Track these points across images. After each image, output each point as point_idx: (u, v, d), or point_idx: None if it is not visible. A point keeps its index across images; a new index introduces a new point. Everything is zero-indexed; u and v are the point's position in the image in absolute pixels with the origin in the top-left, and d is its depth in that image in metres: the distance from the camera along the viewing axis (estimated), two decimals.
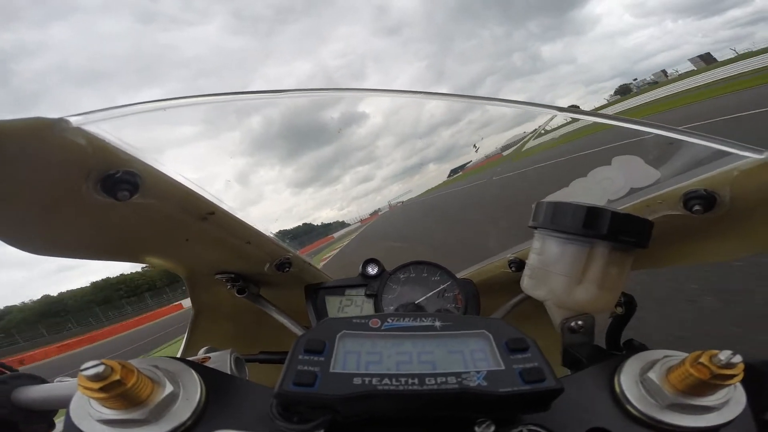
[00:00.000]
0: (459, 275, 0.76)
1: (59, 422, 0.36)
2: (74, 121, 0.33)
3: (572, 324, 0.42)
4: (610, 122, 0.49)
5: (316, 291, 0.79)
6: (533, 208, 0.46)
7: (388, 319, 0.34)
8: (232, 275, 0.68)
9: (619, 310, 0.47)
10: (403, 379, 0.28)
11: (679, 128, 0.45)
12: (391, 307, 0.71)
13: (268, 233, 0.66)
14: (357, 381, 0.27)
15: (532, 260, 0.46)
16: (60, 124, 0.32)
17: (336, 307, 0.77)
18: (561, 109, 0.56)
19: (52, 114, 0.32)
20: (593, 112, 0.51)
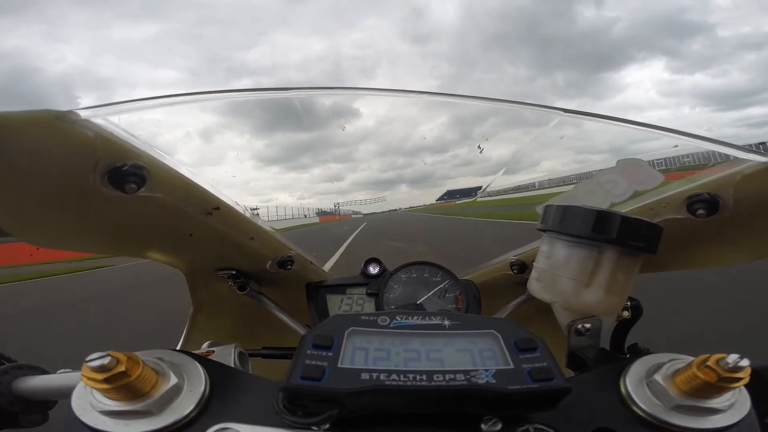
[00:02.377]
0: (460, 276, 0.76)
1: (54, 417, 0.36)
2: (83, 113, 0.33)
3: (579, 326, 0.42)
4: (616, 123, 0.50)
5: (317, 289, 0.79)
6: (541, 211, 0.46)
7: (397, 317, 0.34)
8: (234, 272, 0.67)
9: (626, 314, 0.47)
10: (411, 375, 0.28)
11: (684, 131, 0.46)
12: (393, 307, 0.71)
13: (271, 231, 0.66)
14: (365, 376, 0.27)
15: (539, 263, 0.46)
16: (68, 116, 0.32)
17: (337, 305, 0.77)
18: (563, 111, 0.56)
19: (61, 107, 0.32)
20: (597, 114, 0.52)
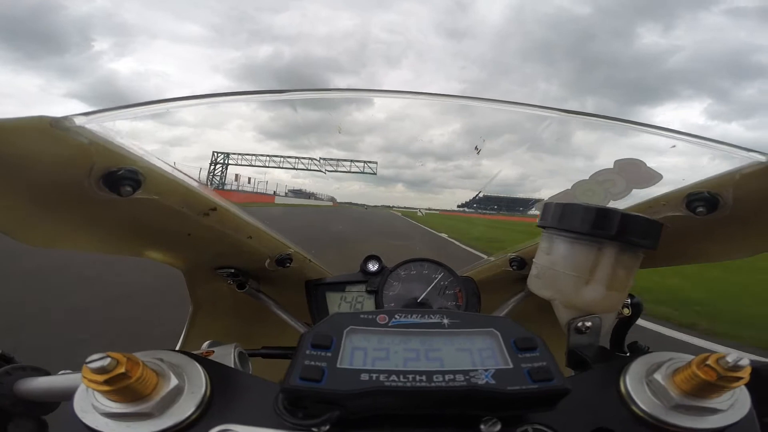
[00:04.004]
0: (460, 273, 0.76)
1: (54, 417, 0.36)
2: (77, 120, 0.33)
3: (579, 324, 0.42)
4: (613, 123, 0.50)
5: (317, 287, 0.79)
6: (541, 209, 0.47)
7: (396, 316, 0.34)
8: (232, 270, 0.68)
9: (626, 311, 0.47)
10: (410, 376, 0.28)
11: (683, 131, 0.46)
12: (392, 304, 0.71)
13: (269, 229, 0.66)
14: (364, 377, 0.27)
15: (539, 260, 0.46)
16: (62, 122, 0.32)
17: (336, 303, 0.78)
18: (561, 111, 0.56)
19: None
20: (594, 114, 0.52)
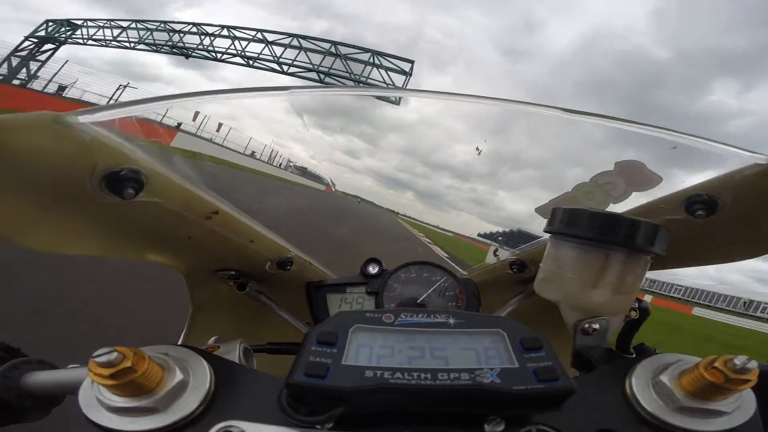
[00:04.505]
0: (460, 276, 0.76)
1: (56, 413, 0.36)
2: (80, 117, 0.33)
3: (586, 326, 0.42)
4: (614, 124, 0.50)
5: (317, 289, 0.79)
6: (548, 213, 0.46)
7: (402, 315, 0.34)
8: (233, 273, 0.68)
9: (634, 314, 0.47)
10: (415, 374, 0.28)
11: (682, 132, 0.46)
12: (393, 305, 0.71)
13: (270, 233, 0.66)
14: (369, 374, 0.27)
15: (546, 264, 0.46)
16: (65, 119, 0.32)
17: (337, 304, 0.78)
18: (563, 110, 0.56)
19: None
20: (595, 114, 0.52)
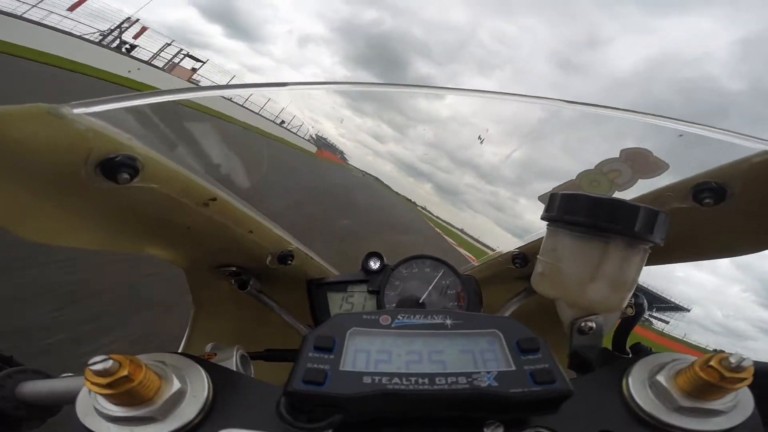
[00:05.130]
0: (462, 271, 0.75)
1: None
2: (75, 109, 0.33)
3: (582, 325, 0.42)
4: (619, 114, 0.49)
5: (318, 286, 0.78)
6: (546, 200, 0.45)
7: (399, 316, 0.34)
8: (234, 268, 0.67)
9: (630, 310, 0.46)
10: (413, 379, 0.27)
11: (688, 120, 0.45)
12: (394, 304, 0.70)
13: (270, 224, 0.65)
14: (367, 380, 0.27)
15: (543, 255, 0.45)
16: (59, 110, 0.32)
17: (338, 303, 0.77)
18: (565, 102, 0.55)
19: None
20: (598, 105, 0.51)
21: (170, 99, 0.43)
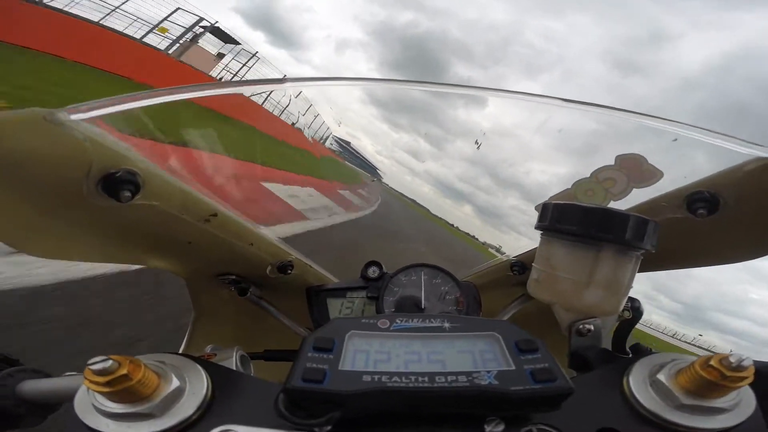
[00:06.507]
0: (460, 278, 0.76)
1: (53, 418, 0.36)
2: (72, 114, 0.33)
3: (580, 327, 0.42)
4: (616, 114, 0.50)
5: (318, 293, 0.78)
6: (538, 210, 0.46)
7: (397, 320, 0.34)
8: (234, 277, 0.68)
9: (627, 314, 0.46)
10: (413, 377, 0.28)
11: (684, 122, 0.45)
12: (393, 310, 0.70)
13: (270, 236, 0.66)
14: (366, 378, 0.27)
15: (538, 263, 0.46)
16: (56, 115, 0.31)
17: (337, 309, 0.77)
18: (563, 100, 0.56)
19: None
20: (595, 104, 0.52)
21: (169, 100, 0.43)
